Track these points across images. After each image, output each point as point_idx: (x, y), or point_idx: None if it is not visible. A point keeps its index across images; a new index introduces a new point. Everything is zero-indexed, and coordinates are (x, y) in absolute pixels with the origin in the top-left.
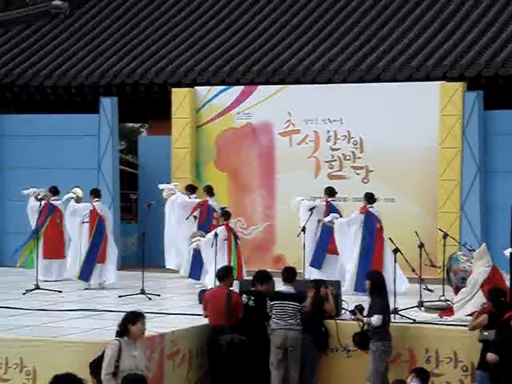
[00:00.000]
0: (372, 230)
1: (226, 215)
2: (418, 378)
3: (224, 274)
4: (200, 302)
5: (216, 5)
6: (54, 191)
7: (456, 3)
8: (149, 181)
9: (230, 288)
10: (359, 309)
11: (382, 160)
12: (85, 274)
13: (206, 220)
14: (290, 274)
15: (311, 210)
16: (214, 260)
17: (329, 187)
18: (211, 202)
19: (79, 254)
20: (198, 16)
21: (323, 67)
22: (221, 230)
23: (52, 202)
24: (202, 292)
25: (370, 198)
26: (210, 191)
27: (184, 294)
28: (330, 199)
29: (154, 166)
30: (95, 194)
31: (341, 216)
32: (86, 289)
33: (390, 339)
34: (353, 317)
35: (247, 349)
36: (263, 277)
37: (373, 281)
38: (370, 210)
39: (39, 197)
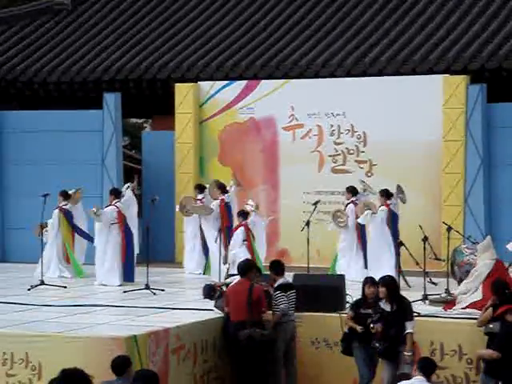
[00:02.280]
0: (395, 227)
1: (244, 215)
2: (421, 370)
3: (246, 269)
4: (205, 297)
5: (218, 0)
6: (65, 195)
7: None
8: (152, 176)
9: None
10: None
11: (385, 154)
12: (129, 274)
13: (228, 219)
14: (282, 267)
15: (315, 204)
16: (219, 254)
17: (350, 186)
18: (227, 199)
19: (114, 256)
20: (201, 11)
21: (326, 61)
22: (241, 232)
23: (64, 207)
24: (207, 286)
25: (388, 194)
26: (223, 188)
27: (189, 289)
28: (353, 198)
29: (157, 161)
30: (115, 194)
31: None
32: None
33: None
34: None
35: (268, 343)
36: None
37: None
38: (391, 206)
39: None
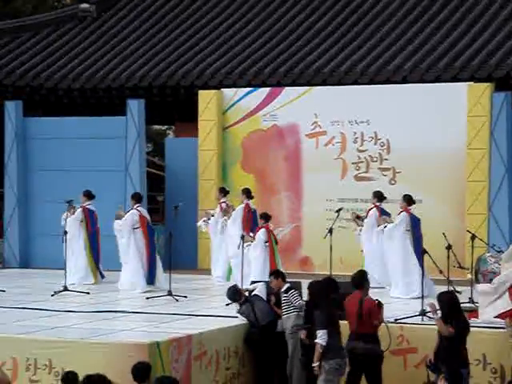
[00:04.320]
0: (418, 232)
1: (266, 218)
2: (447, 381)
3: (360, 281)
4: (229, 298)
5: (242, 7)
6: (89, 195)
7: (484, 4)
8: (176, 183)
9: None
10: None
11: (409, 161)
12: (151, 277)
13: (252, 224)
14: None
15: (338, 211)
16: (241, 262)
17: (377, 191)
18: (251, 204)
19: (137, 260)
20: (224, 18)
21: (350, 68)
22: (263, 233)
23: (87, 206)
24: (232, 288)
25: (410, 200)
26: (248, 194)
27: (211, 296)
28: (378, 204)
29: (180, 167)
30: (137, 198)
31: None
32: (148, 291)
33: (344, 356)
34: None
35: (379, 358)
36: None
37: (310, 292)
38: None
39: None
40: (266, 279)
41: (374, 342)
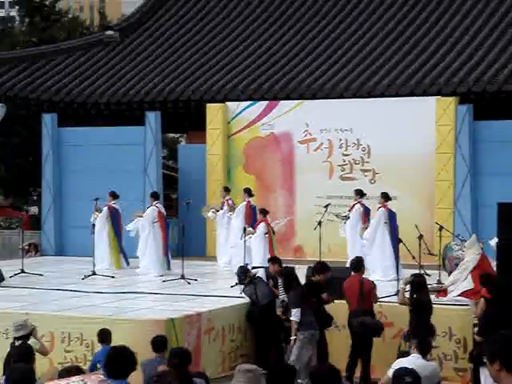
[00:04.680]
0: (394, 224)
1: (265, 212)
2: (419, 349)
3: (357, 265)
4: (237, 275)
5: (242, 33)
6: (113, 195)
7: (448, 31)
8: (187, 183)
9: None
10: None
11: (386, 164)
12: (167, 263)
13: (252, 219)
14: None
15: (326, 206)
16: (244, 249)
17: (358, 189)
18: (252, 201)
19: (157, 249)
20: (228, 43)
21: (335, 84)
22: (263, 226)
23: (113, 205)
24: (242, 267)
25: (386, 197)
26: (250, 192)
27: (217, 279)
28: (360, 200)
29: (191, 170)
30: (155, 196)
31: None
32: (164, 275)
33: (316, 328)
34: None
35: (381, 330)
36: (322, 268)
37: (285, 276)
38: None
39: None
40: (266, 265)
41: (374, 317)
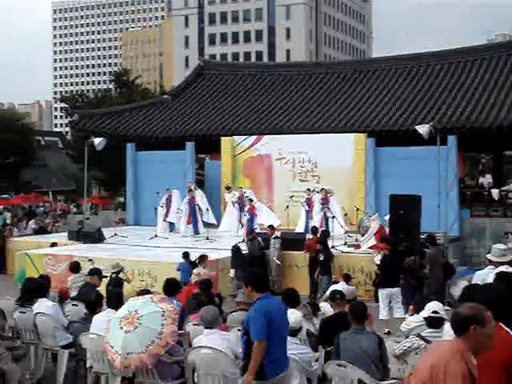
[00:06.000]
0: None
1: (251, 200)
2: (344, 280)
3: (316, 230)
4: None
5: (246, 99)
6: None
7: (365, 90)
8: (210, 183)
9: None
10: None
11: (326, 172)
12: (196, 229)
13: (242, 206)
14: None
15: (291, 197)
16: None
17: (308, 188)
18: (237, 194)
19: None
20: (236, 105)
21: (296, 126)
22: (247, 210)
23: (170, 194)
24: (233, 247)
25: (326, 192)
26: (228, 188)
27: (227, 240)
28: (308, 196)
29: (212, 176)
30: (191, 190)
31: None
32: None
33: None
34: None
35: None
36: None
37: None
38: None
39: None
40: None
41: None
